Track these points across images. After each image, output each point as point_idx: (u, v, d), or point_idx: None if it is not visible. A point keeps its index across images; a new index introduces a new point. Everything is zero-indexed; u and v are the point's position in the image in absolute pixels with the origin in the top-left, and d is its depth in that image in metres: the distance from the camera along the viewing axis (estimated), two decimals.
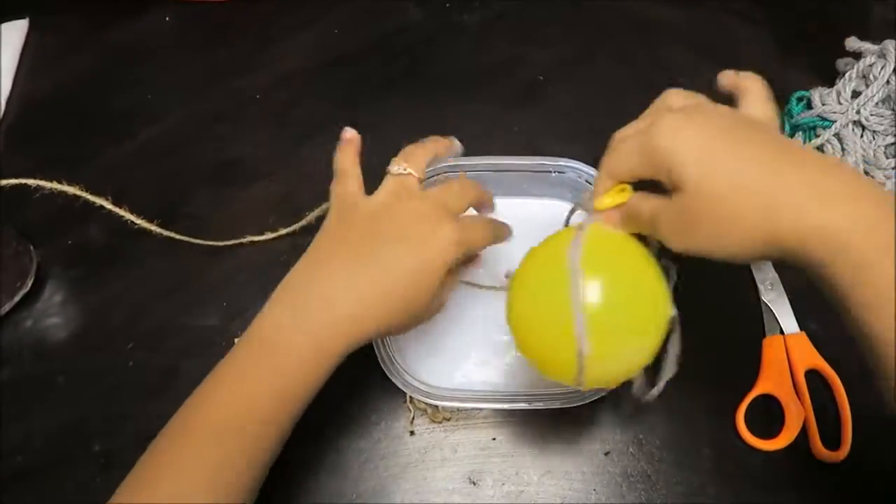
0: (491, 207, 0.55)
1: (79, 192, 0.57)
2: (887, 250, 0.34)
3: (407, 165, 0.50)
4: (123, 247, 0.62)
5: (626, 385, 0.53)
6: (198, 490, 0.41)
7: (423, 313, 0.48)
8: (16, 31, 0.72)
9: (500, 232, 0.53)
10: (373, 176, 0.62)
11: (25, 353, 0.59)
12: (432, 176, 0.59)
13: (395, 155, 0.63)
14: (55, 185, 0.57)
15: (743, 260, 0.39)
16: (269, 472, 0.53)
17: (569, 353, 0.41)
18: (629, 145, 0.41)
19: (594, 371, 0.41)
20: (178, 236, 0.61)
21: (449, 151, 0.56)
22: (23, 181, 0.56)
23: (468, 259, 0.52)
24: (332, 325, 0.44)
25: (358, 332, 0.45)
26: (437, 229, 0.46)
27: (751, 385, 0.56)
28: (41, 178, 0.62)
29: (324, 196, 0.64)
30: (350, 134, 0.52)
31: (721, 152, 0.38)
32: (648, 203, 0.41)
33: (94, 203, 0.58)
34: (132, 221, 0.58)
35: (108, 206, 0.58)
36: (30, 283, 0.60)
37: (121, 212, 0.58)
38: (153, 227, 0.59)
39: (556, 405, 0.54)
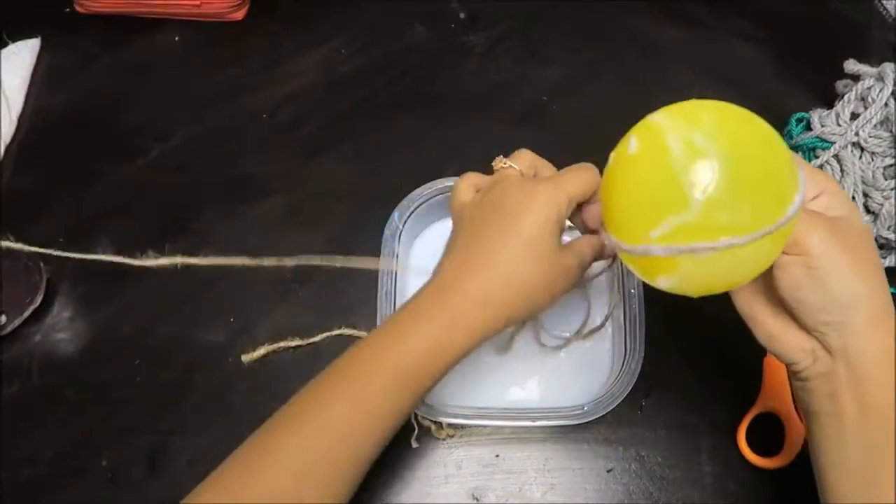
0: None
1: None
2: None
3: (508, 161, 0.50)
4: (131, 263, 0.63)
5: (624, 405, 0.54)
6: (366, 420, 0.43)
7: (553, 283, 0.47)
8: (28, 49, 0.73)
9: (594, 176, 0.51)
10: (377, 194, 0.63)
11: (34, 367, 0.59)
12: (436, 195, 0.60)
13: (399, 172, 0.64)
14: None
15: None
16: None
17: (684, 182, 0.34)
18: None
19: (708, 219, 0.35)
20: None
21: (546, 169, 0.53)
22: None
23: (585, 213, 0.50)
24: (466, 313, 0.45)
25: (493, 318, 0.45)
26: (528, 191, 0.46)
27: (752, 403, 0.56)
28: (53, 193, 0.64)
29: (331, 213, 0.65)
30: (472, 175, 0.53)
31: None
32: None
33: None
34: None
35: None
36: (39, 299, 0.60)
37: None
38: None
39: (560, 422, 0.55)
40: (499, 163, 0.50)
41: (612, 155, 0.39)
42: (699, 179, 0.34)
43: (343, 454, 0.43)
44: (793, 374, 0.42)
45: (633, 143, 0.37)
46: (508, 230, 0.46)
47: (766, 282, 0.40)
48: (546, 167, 0.51)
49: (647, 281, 0.39)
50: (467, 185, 0.50)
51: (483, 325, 0.45)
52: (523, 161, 0.50)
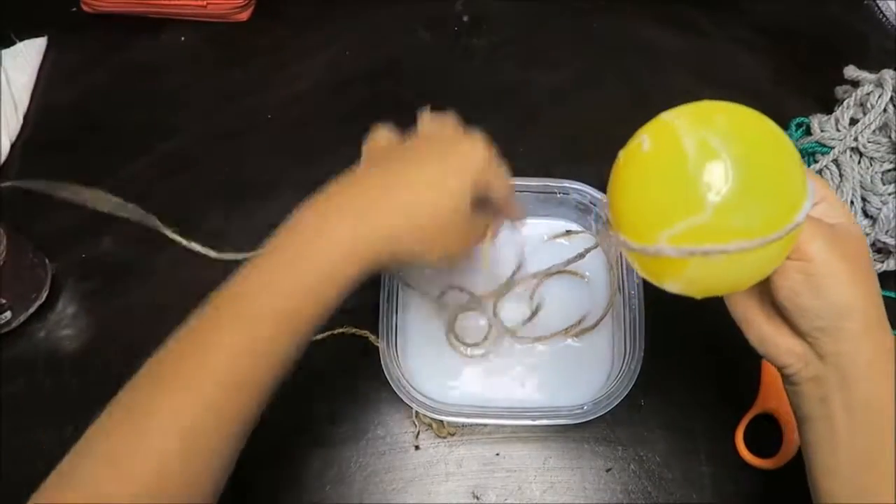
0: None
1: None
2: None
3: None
4: (136, 259, 0.63)
5: (624, 405, 0.54)
6: (252, 370, 0.41)
7: (448, 240, 0.46)
8: (34, 48, 0.74)
9: (519, 208, 0.52)
10: None
11: (39, 363, 0.59)
12: None
13: None
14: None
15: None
16: (280, 481, 0.54)
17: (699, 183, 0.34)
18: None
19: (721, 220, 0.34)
20: (198, 247, 0.63)
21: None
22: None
23: (487, 204, 0.49)
24: (357, 236, 0.43)
25: (381, 250, 0.43)
26: (463, 141, 0.46)
27: (750, 404, 0.57)
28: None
29: None
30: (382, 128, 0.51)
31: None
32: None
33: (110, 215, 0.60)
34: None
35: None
36: (44, 295, 0.61)
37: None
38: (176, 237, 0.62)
39: (560, 422, 0.55)
40: (427, 114, 0.50)
41: (622, 153, 0.38)
42: (714, 182, 0.34)
43: (230, 408, 0.40)
44: (784, 379, 0.42)
45: (647, 141, 0.37)
46: (430, 168, 0.45)
47: (760, 285, 0.40)
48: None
49: (653, 281, 0.39)
50: (386, 132, 0.50)
51: (376, 257, 0.43)
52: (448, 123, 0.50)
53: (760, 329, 0.41)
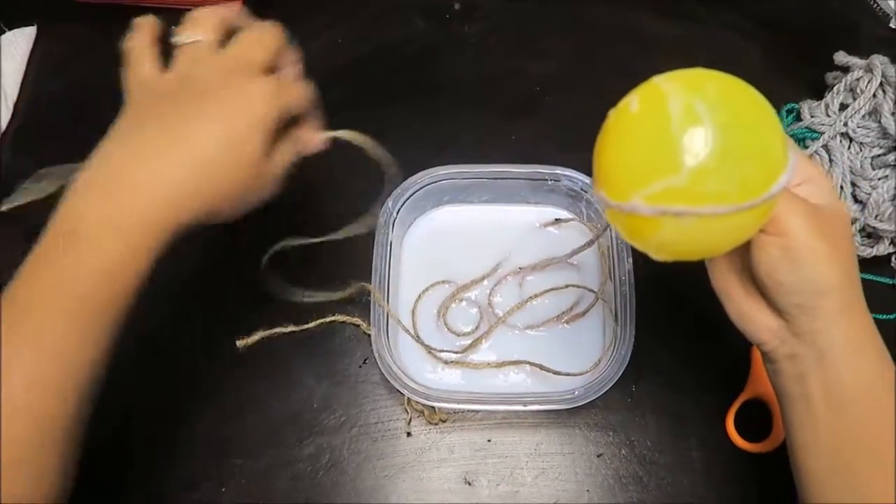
0: (294, 65, 0.48)
1: None
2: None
3: (194, 32, 0.44)
4: None
5: (615, 391, 0.54)
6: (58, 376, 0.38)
7: (249, 187, 0.43)
8: (24, 37, 0.73)
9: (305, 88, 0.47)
10: (372, 183, 0.64)
11: None
12: (429, 183, 0.61)
13: (398, 162, 0.65)
14: None
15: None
16: (273, 468, 0.54)
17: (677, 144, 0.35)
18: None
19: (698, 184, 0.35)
20: None
21: (236, 16, 0.47)
22: None
23: (293, 123, 0.47)
24: (140, 213, 0.39)
25: (173, 217, 0.40)
26: (245, 86, 0.42)
27: (740, 389, 0.57)
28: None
29: (327, 201, 0.66)
30: (143, 19, 0.47)
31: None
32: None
33: None
34: None
35: None
36: None
37: None
38: None
39: (551, 407, 0.55)
40: (183, 36, 0.44)
41: (612, 112, 0.39)
42: (693, 146, 0.34)
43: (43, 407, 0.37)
44: (763, 357, 0.43)
45: (635, 102, 0.38)
46: (213, 126, 0.41)
47: (743, 261, 0.41)
48: (212, 18, 0.45)
49: (629, 240, 0.40)
50: (145, 52, 0.45)
51: (163, 230, 0.40)
52: (206, 27, 0.44)
53: (740, 304, 0.42)
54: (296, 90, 0.46)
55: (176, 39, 0.44)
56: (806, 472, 0.41)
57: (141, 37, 0.45)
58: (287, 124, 0.45)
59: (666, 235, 0.37)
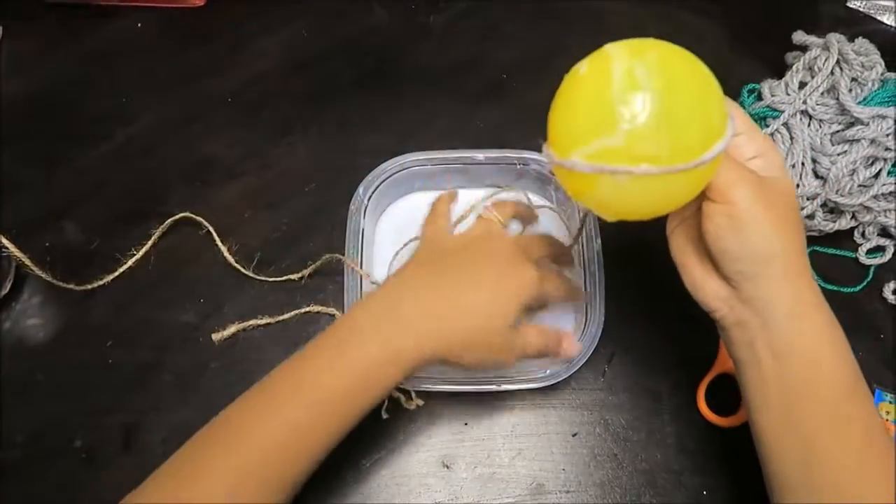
0: (569, 263, 0.59)
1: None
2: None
3: (496, 213, 0.54)
4: (100, 246, 0.63)
5: (588, 371, 0.55)
6: (296, 443, 0.44)
7: (495, 350, 0.49)
8: None
9: (576, 294, 0.56)
10: (341, 173, 0.64)
11: (4, 353, 0.59)
12: (399, 171, 0.61)
13: (362, 151, 0.65)
14: None
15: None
16: None
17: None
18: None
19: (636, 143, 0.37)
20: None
21: (530, 216, 0.60)
22: None
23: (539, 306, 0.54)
24: (404, 336, 0.46)
25: (429, 350, 0.47)
26: (518, 267, 0.50)
27: (710, 365, 0.58)
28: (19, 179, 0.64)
29: (297, 191, 0.66)
30: (448, 193, 0.58)
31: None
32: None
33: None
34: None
35: None
36: (8, 286, 0.61)
37: None
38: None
39: (524, 386, 0.56)
40: (486, 212, 0.55)
41: (566, 76, 0.41)
42: (630, 109, 0.36)
43: (273, 472, 0.44)
44: (717, 326, 0.45)
45: (585, 65, 0.40)
46: (484, 287, 0.48)
47: (698, 232, 0.42)
48: (511, 209, 0.56)
49: (574, 198, 0.43)
50: (444, 209, 0.55)
51: (414, 366, 0.47)
52: (504, 213, 0.55)
53: (692, 273, 0.44)
54: (555, 284, 0.53)
55: (482, 212, 0.55)
56: (760, 430, 0.43)
57: (445, 200, 0.57)
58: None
59: (604, 193, 0.39)
